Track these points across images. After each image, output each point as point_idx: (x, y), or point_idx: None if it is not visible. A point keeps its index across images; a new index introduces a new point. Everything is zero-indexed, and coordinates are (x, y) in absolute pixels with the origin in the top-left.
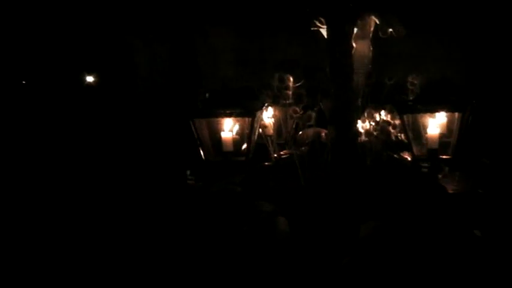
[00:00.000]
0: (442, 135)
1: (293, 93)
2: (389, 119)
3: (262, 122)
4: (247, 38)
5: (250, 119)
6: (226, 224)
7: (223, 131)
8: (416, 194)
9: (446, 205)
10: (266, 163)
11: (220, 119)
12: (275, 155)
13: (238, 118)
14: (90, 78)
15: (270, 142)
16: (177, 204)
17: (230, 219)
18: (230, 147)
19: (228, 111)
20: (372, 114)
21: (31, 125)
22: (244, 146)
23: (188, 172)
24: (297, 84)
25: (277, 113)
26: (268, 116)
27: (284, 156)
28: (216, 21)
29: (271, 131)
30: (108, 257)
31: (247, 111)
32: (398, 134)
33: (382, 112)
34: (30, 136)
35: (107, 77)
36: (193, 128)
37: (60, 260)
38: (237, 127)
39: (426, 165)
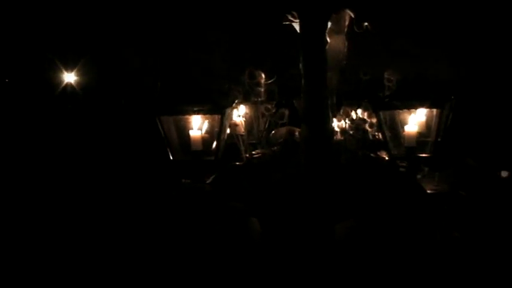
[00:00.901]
0: (420, 133)
1: (265, 90)
2: (365, 116)
3: (232, 121)
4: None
5: (219, 116)
6: (196, 224)
7: (192, 129)
8: (393, 193)
9: (424, 205)
10: (237, 163)
11: (188, 116)
12: (247, 155)
13: (207, 115)
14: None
15: (241, 141)
16: (145, 204)
17: (200, 219)
18: (199, 146)
19: (196, 108)
20: (348, 112)
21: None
22: (214, 144)
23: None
24: (269, 81)
25: (248, 111)
26: (239, 114)
27: (256, 155)
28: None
29: (242, 129)
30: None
31: (216, 108)
32: (376, 133)
33: (358, 110)
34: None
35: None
36: (159, 126)
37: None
38: (206, 125)
39: (404, 164)
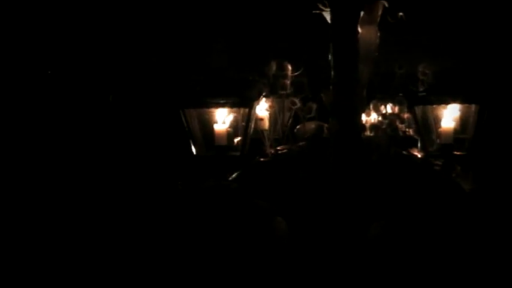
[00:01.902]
0: (456, 130)
1: (291, 83)
2: (396, 111)
3: (257, 115)
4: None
5: (246, 109)
6: (221, 223)
7: (216, 122)
8: (429, 193)
9: (464, 205)
10: (262, 159)
11: (213, 109)
12: (271, 151)
13: (234, 109)
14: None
15: (266, 136)
16: (169, 202)
17: (225, 218)
18: (223, 141)
19: (222, 101)
20: (378, 107)
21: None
22: (238, 139)
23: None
24: (296, 73)
25: (272, 104)
26: (263, 108)
27: (281, 151)
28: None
29: (266, 124)
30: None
31: (244, 101)
32: (407, 129)
33: (389, 105)
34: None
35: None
36: (183, 119)
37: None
38: (231, 119)
39: (438, 162)
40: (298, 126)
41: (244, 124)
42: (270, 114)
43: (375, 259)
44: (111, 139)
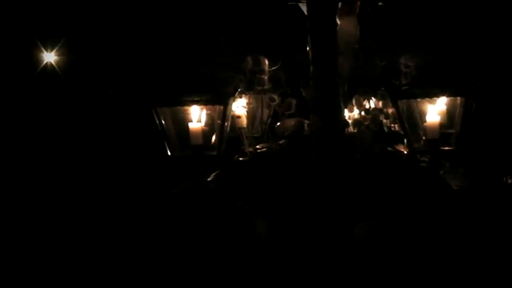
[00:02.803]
0: (442, 124)
1: (268, 78)
2: (380, 106)
3: (233, 112)
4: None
5: (221, 107)
6: (198, 226)
7: (191, 121)
8: (416, 190)
9: (451, 202)
10: (241, 158)
11: (187, 107)
12: (250, 149)
13: (208, 106)
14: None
15: (244, 135)
16: (146, 205)
17: (204, 220)
18: (199, 140)
19: (196, 98)
20: (361, 102)
21: None
22: (215, 138)
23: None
24: (273, 68)
25: (249, 101)
26: (240, 105)
27: (261, 150)
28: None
29: (244, 122)
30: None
31: (219, 97)
32: (391, 125)
33: (372, 99)
34: None
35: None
36: (156, 118)
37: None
38: (205, 117)
39: (425, 158)
40: (277, 124)
41: (220, 122)
42: (247, 111)
43: (362, 259)
44: (82, 140)
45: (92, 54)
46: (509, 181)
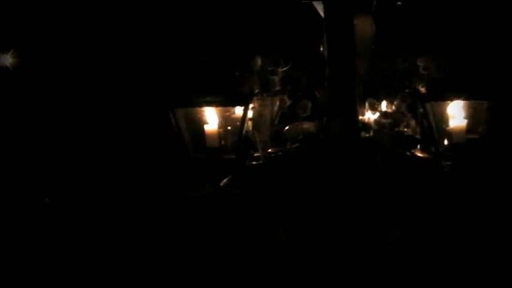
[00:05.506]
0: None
1: (284, 80)
2: (402, 109)
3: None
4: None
5: (241, 108)
6: (222, 231)
7: (207, 123)
8: (441, 195)
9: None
10: (254, 162)
11: (204, 108)
12: (263, 153)
13: (227, 107)
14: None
15: (257, 138)
16: (166, 208)
17: (227, 225)
18: (215, 143)
19: (213, 99)
20: (374, 105)
21: None
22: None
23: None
24: (285, 68)
25: (260, 103)
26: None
27: (275, 154)
28: None
29: (257, 124)
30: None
31: (240, 98)
32: (405, 129)
33: (383, 102)
34: None
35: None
36: (173, 120)
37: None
38: (224, 118)
39: (449, 163)
40: (287, 127)
41: (239, 124)
42: (259, 113)
43: (387, 264)
44: (97, 141)
45: (108, 55)
46: None
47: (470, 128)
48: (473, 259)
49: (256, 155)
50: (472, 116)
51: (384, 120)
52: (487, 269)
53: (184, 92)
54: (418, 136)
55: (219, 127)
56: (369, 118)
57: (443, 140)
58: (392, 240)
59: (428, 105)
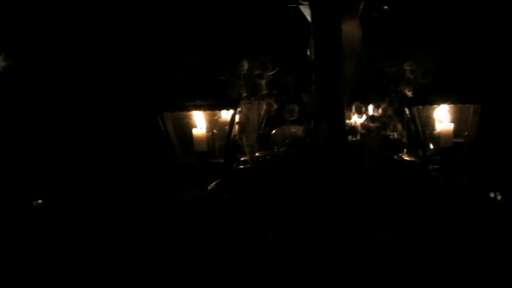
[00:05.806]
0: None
1: (272, 83)
2: (389, 113)
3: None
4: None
5: (230, 111)
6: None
7: (195, 127)
8: (430, 198)
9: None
10: (242, 166)
11: (192, 112)
12: (250, 157)
13: (215, 111)
14: None
15: (245, 142)
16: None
17: (214, 229)
18: (203, 146)
19: (201, 103)
20: (361, 109)
21: None
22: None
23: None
24: (272, 72)
25: (246, 107)
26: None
27: (262, 158)
28: None
29: (245, 128)
30: None
31: (227, 102)
32: (391, 133)
33: (370, 106)
34: None
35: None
36: (161, 124)
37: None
38: (212, 122)
39: (436, 167)
40: (274, 131)
41: (227, 128)
42: (246, 117)
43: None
44: (85, 145)
45: (95, 59)
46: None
47: (457, 131)
48: (462, 261)
49: (243, 158)
50: (459, 119)
51: (371, 124)
52: (476, 270)
53: (173, 96)
54: (404, 140)
55: (207, 131)
56: (355, 122)
57: (430, 144)
58: (383, 244)
59: (415, 109)
